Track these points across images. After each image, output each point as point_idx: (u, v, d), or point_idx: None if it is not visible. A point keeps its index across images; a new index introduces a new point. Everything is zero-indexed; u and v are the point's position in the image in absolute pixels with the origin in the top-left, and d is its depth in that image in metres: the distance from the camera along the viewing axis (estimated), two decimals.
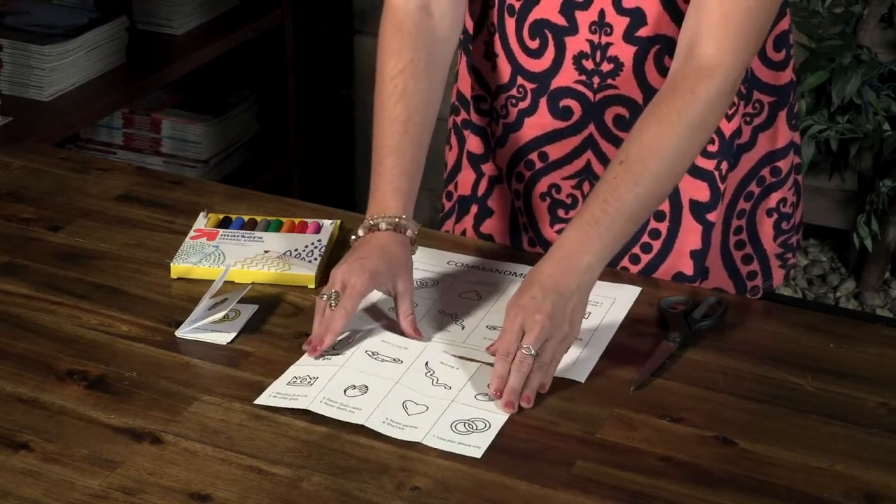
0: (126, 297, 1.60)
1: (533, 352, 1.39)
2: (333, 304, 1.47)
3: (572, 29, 1.60)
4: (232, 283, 1.61)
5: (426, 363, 1.45)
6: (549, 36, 1.61)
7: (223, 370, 1.47)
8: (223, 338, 1.52)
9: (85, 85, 2.67)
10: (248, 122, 3.15)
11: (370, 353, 1.46)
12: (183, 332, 1.53)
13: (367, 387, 1.41)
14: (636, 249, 1.69)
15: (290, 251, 1.66)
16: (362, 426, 1.37)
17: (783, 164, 1.71)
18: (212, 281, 1.57)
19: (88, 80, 2.68)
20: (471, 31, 1.71)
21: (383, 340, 1.49)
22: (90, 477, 1.31)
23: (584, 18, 1.59)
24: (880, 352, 1.51)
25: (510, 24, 1.63)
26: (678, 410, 1.40)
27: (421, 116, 1.60)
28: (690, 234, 1.67)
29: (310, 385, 1.41)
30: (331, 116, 3.38)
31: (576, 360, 1.47)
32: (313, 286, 1.61)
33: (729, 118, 1.63)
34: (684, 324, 1.51)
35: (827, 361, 1.49)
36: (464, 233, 1.78)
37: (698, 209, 1.66)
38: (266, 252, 1.66)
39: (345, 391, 1.40)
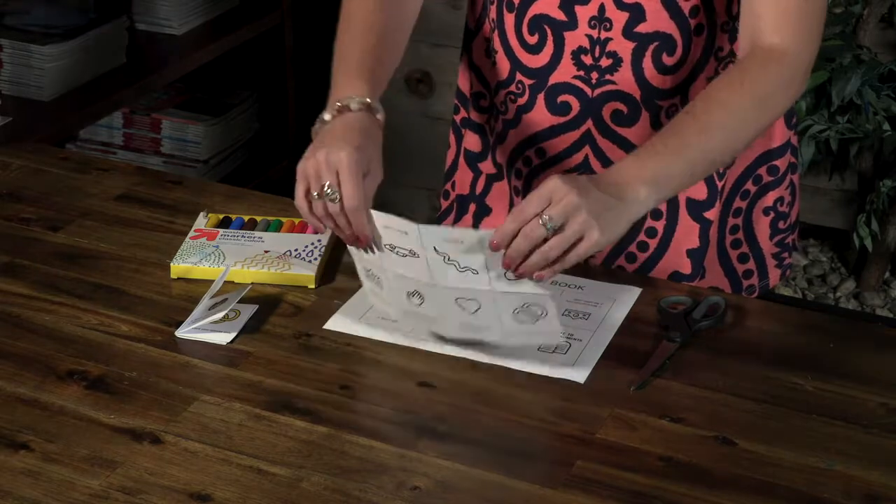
0: (126, 297, 1.60)
1: (550, 225, 1.32)
2: (334, 198, 1.35)
3: (572, 24, 1.60)
4: (232, 283, 1.61)
5: (434, 248, 1.36)
6: (549, 31, 1.62)
7: (223, 370, 1.47)
8: (223, 338, 1.52)
9: (85, 85, 2.67)
10: (248, 122, 3.15)
11: (390, 248, 1.37)
12: (183, 332, 1.53)
13: (418, 292, 1.37)
14: (633, 248, 1.69)
15: (290, 251, 1.66)
16: (364, 426, 1.37)
17: (780, 163, 1.71)
18: (212, 281, 1.58)
19: (88, 80, 2.68)
20: (472, 27, 1.71)
21: (385, 226, 1.40)
22: (90, 477, 1.31)
23: (584, 13, 1.59)
24: (880, 352, 1.51)
25: (509, 19, 1.64)
26: (678, 410, 1.40)
27: (391, 51, 1.57)
28: (688, 233, 1.67)
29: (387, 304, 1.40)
30: None
31: (575, 361, 1.47)
32: (313, 286, 1.61)
33: None
34: (684, 324, 1.51)
35: (827, 361, 1.49)
36: None
37: (696, 207, 1.66)
38: (266, 252, 1.66)
39: (409, 298, 1.39)
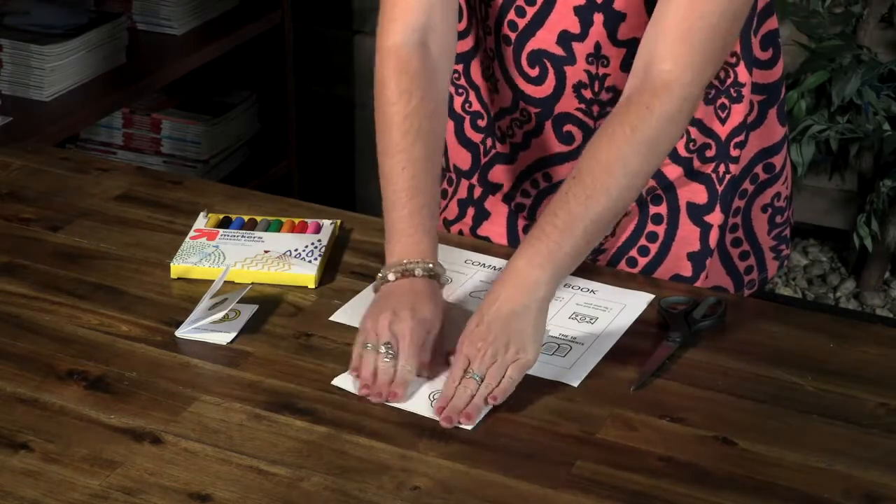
0: (126, 298, 1.60)
1: (477, 377, 1.39)
2: (388, 358, 1.42)
3: (570, 59, 1.59)
4: (232, 283, 1.61)
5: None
6: (549, 65, 1.60)
7: (223, 370, 1.47)
8: (223, 338, 1.52)
9: (85, 85, 2.67)
10: (247, 122, 3.15)
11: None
12: (183, 333, 1.53)
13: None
14: (633, 252, 1.69)
15: (290, 251, 1.66)
16: (364, 426, 1.37)
17: (776, 161, 1.71)
18: (212, 281, 1.57)
19: (88, 80, 2.68)
20: (468, 49, 1.69)
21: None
22: (90, 477, 1.31)
23: (581, 50, 1.58)
24: (880, 352, 1.51)
25: (508, 52, 1.62)
26: (678, 410, 1.40)
27: (437, 156, 1.55)
28: (688, 237, 1.67)
29: None
30: (330, 116, 3.38)
31: (572, 365, 1.46)
32: (313, 286, 1.61)
33: (723, 122, 1.63)
34: (684, 324, 1.51)
35: (827, 361, 1.49)
36: (460, 233, 1.78)
37: (696, 212, 1.66)
38: (266, 252, 1.66)
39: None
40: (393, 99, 1.54)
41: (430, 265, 1.49)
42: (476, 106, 1.71)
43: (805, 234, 3.13)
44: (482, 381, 1.39)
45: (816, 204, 3.08)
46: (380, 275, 1.51)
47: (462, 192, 1.77)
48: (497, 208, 1.75)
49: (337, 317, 1.55)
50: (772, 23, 1.65)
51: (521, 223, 1.74)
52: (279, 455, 1.34)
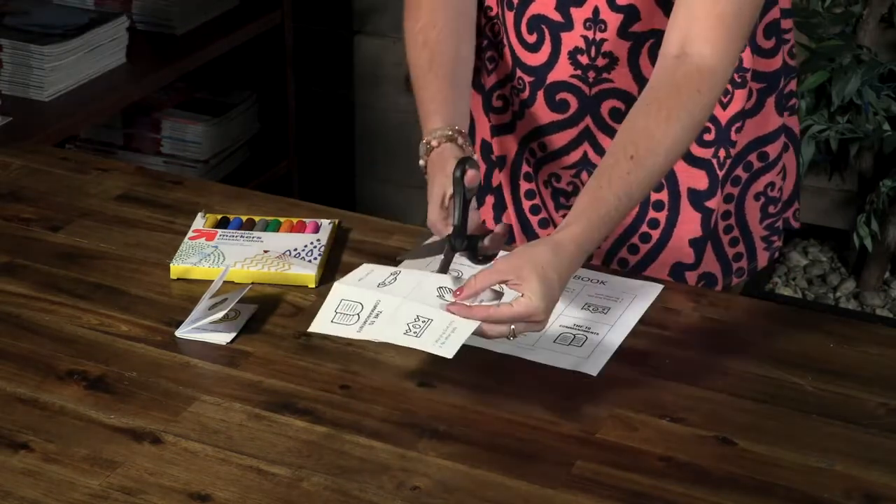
0: (126, 298, 1.60)
1: (513, 336, 1.39)
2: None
3: (567, 25, 1.61)
4: (231, 283, 1.61)
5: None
6: (546, 31, 1.62)
7: (223, 370, 1.47)
8: (223, 338, 1.52)
9: (85, 85, 2.67)
10: (247, 122, 3.15)
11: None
12: (183, 333, 1.53)
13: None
14: (635, 239, 1.70)
15: (289, 251, 1.66)
16: (364, 426, 1.37)
17: (771, 150, 1.71)
18: (211, 281, 1.57)
19: (88, 80, 2.68)
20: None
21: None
22: (90, 477, 1.31)
23: (579, 15, 1.60)
24: (880, 352, 1.51)
25: (509, 17, 1.65)
26: (678, 410, 1.40)
27: (445, 56, 1.61)
28: (689, 223, 1.68)
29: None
30: (330, 116, 3.38)
31: (590, 354, 1.47)
32: (313, 286, 1.61)
33: (724, 106, 1.64)
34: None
35: (827, 361, 1.49)
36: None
37: (697, 197, 1.67)
38: (265, 252, 1.66)
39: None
40: (407, 25, 1.64)
41: (448, 131, 1.56)
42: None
43: (805, 234, 3.13)
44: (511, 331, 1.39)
45: (816, 204, 3.08)
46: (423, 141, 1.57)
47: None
48: (512, 195, 1.76)
49: (315, 327, 1.46)
50: (775, 12, 1.66)
51: (526, 204, 1.75)
52: (279, 455, 1.34)
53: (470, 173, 1.48)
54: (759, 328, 1.55)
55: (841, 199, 3.10)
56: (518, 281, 1.38)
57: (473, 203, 1.52)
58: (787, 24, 1.68)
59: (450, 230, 1.49)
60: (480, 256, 1.50)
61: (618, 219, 1.46)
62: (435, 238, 1.53)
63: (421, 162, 1.57)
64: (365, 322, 1.40)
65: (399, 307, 1.40)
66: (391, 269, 1.47)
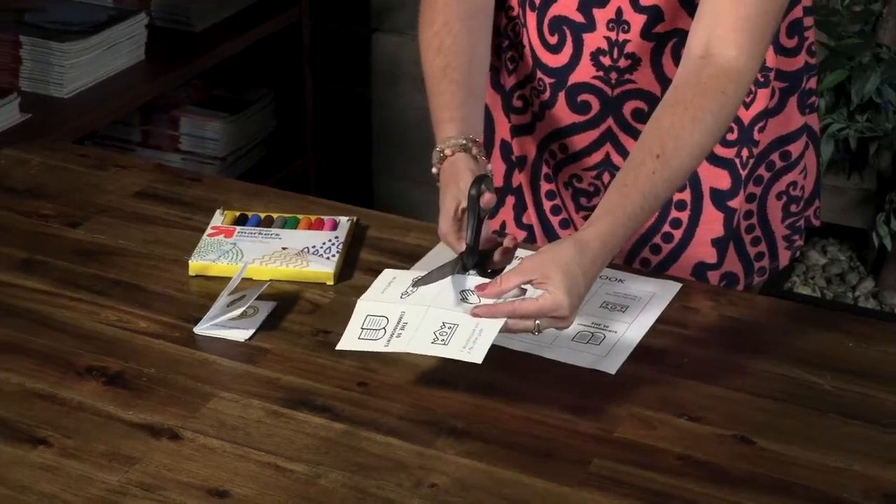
0: (144, 294, 1.60)
1: (538, 331, 1.40)
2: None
3: (590, 26, 1.61)
4: (250, 280, 1.61)
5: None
6: (568, 32, 1.62)
7: (241, 367, 1.47)
8: (241, 334, 1.52)
9: (104, 82, 2.67)
10: (265, 119, 3.15)
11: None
12: (201, 329, 1.53)
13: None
14: (657, 239, 1.69)
15: (307, 248, 1.66)
16: (381, 423, 1.37)
17: (793, 149, 1.71)
18: (230, 278, 1.58)
19: (107, 77, 2.68)
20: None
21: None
22: (109, 473, 1.31)
23: (602, 16, 1.60)
24: None
25: (531, 18, 1.65)
26: (696, 409, 1.40)
27: (459, 61, 1.60)
28: (712, 223, 1.68)
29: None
30: (348, 114, 3.38)
31: (608, 353, 1.47)
32: (332, 283, 1.61)
33: (747, 106, 1.63)
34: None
35: (846, 361, 1.48)
36: (503, 225, 1.78)
37: (719, 197, 1.67)
38: (284, 249, 1.66)
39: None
40: (422, 28, 1.63)
41: (461, 140, 1.55)
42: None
43: (824, 233, 3.12)
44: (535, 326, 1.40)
45: (835, 203, 3.07)
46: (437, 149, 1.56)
47: (497, 180, 1.77)
48: (532, 196, 1.76)
49: (343, 345, 1.46)
50: (798, 11, 1.65)
51: (547, 204, 1.75)
52: (297, 452, 1.34)
53: (486, 196, 1.47)
54: (778, 327, 1.55)
55: (860, 198, 3.09)
56: (543, 280, 1.37)
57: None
58: (808, 21, 1.68)
59: (462, 246, 1.48)
60: (490, 270, 1.49)
61: (643, 218, 1.46)
62: (446, 260, 1.51)
63: (434, 170, 1.56)
64: (392, 335, 1.40)
65: (424, 316, 1.40)
66: (412, 274, 1.47)
